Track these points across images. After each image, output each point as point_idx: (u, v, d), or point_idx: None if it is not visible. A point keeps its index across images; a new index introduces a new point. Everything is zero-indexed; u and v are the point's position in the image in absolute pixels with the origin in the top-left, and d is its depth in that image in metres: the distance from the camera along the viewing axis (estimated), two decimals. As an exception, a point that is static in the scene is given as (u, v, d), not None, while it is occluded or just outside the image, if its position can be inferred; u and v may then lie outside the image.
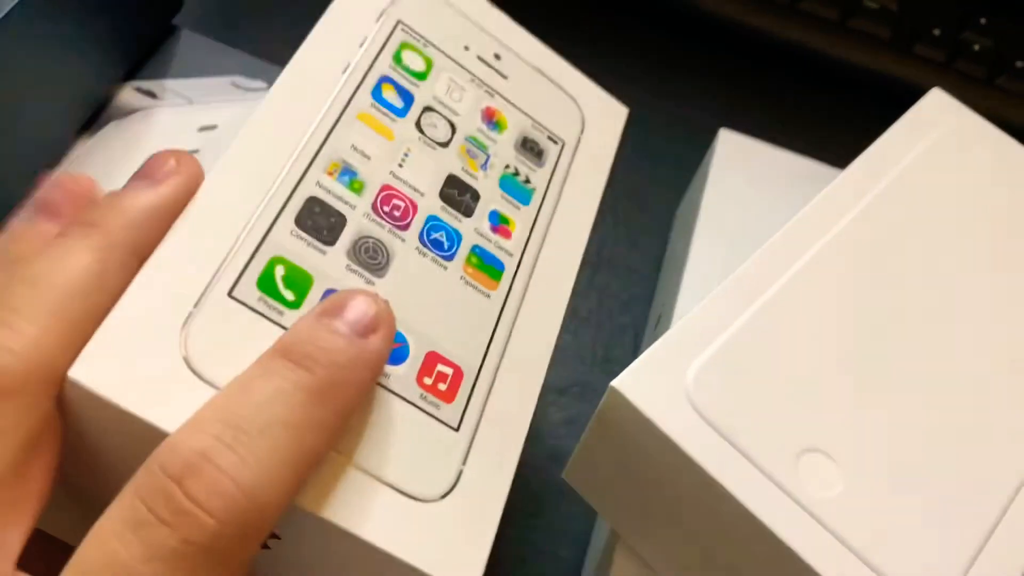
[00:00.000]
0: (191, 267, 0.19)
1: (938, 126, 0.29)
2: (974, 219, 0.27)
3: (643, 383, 0.22)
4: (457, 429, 0.21)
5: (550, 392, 0.35)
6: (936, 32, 0.42)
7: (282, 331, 0.19)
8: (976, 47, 0.42)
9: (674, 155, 0.42)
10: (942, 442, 0.23)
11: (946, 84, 0.42)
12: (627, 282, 0.38)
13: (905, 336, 0.24)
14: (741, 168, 0.34)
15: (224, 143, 0.21)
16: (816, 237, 0.25)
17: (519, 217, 0.24)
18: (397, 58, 0.24)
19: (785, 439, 0.22)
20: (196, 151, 0.26)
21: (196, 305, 0.19)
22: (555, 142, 0.26)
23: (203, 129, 0.29)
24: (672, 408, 0.22)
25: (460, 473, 0.20)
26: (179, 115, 0.29)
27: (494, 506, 0.20)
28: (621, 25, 0.47)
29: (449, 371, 0.21)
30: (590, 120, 0.27)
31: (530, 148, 0.25)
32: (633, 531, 0.24)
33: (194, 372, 0.18)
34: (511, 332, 0.23)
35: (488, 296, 0.23)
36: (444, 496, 0.20)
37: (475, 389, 0.21)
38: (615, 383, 0.22)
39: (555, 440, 0.34)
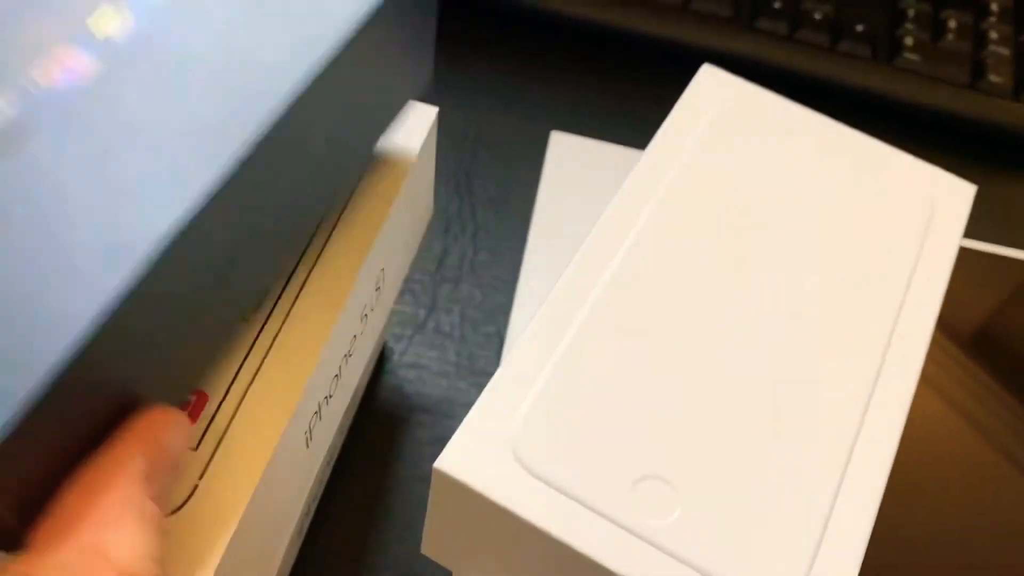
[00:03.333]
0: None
1: (716, 101, 0.29)
2: (774, 193, 0.27)
3: (466, 457, 0.21)
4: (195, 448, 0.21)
5: (416, 411, 0.35)
6: (777, 5, 0.43)
7: None
8: (817, 16, 0.42)
9: (532, 158, 0.42)
10: (770, 444, 0.22)
11: (791, 55, 0.42)
12: (490, 291, 0.38)
13: (725, 334, 0.24)
14: (573, 168, 0.34)
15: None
16: (618, 244, 0.25)
17: None
18: None
19: (618, 473, 0.21)
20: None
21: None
22: None
23: None
24: (500, 474, 0.21)
25: (194, 488, 0.21)
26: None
27: (227, 521, 0.20)
28: (465, 27, 0.47)
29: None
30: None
31: None
32: None
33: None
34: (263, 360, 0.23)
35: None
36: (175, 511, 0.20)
37: (218, 412, 0.22)
38: (437, 464, 0.21)
39: (422, 460, 0.34)
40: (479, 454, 0.21)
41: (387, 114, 0.25)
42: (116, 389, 0.18)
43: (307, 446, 0.25)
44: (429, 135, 0.28)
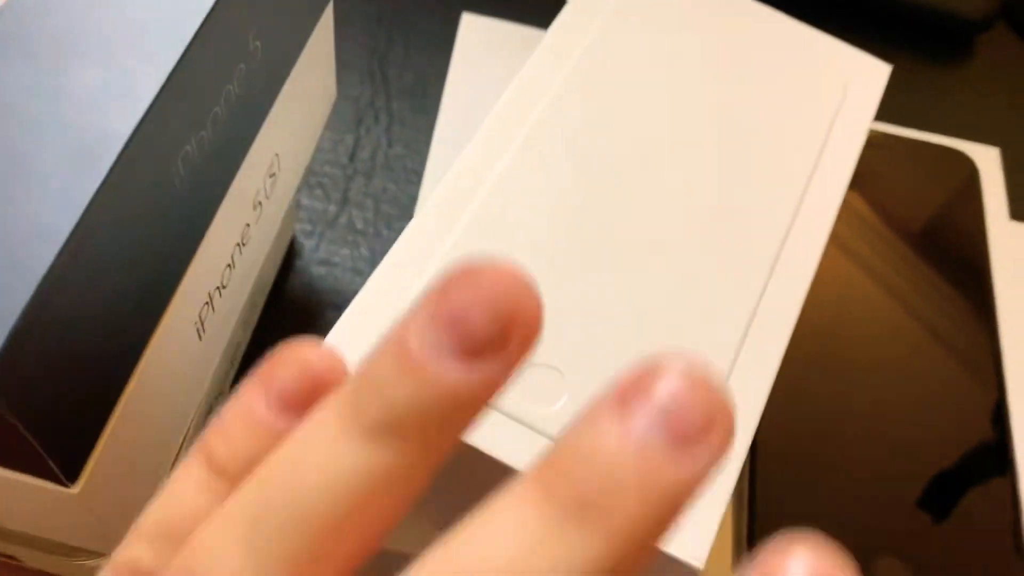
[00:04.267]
0: None
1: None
2: (681, 70, 0.26)
3: (355, 336, 0.21)
4: None
5: (327, 308, 0.34)
6: None
7: None
8: None
9: (450, 44, 0.40)
10: (661, 323, 0.22)
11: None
12: (406, 185, 0.37)
13: (624, 216, 0.23)
14: (485, 52, 0.32)
15: None
16: (522, 121, 0.24)
17: None
18: None
19: None
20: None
21: None
22: None
23: None
24: None
25: None
26: None
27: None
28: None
29: None
30: None
31: None
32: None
33: None
34: None
35: None
36: None
37: None
38: (329, 340, 0.20)
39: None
40: (368, 334, 0.21)
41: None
42: (101, 294, 0.18)
43: (199, 338, 0.24)
44: (326, 11, 0.26)
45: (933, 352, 0.34)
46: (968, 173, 0.38)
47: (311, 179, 0.37)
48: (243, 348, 0.32)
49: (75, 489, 0.19)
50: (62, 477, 0.18)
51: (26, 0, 0.18)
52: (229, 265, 0.24)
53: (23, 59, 0.18)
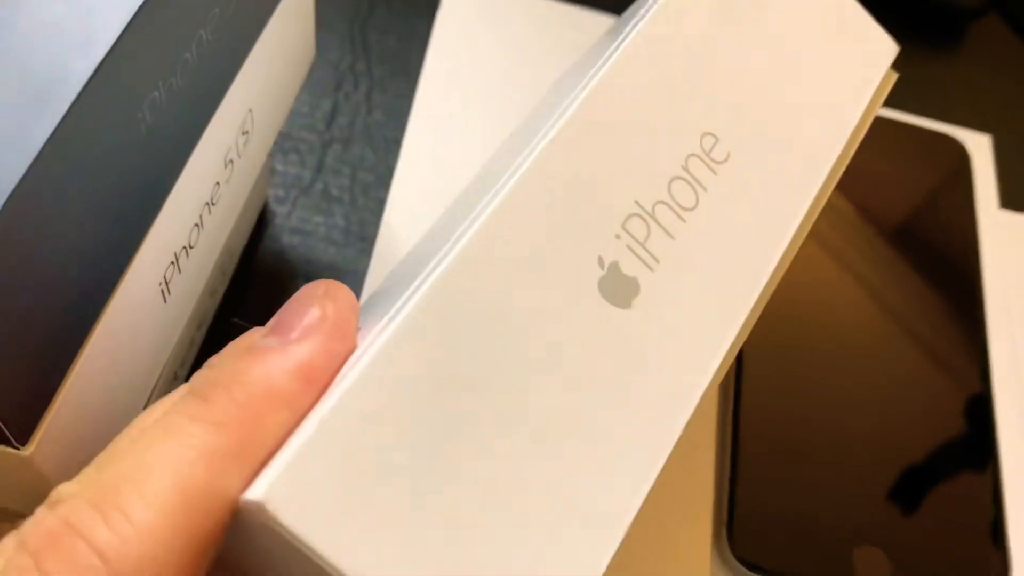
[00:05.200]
0: None
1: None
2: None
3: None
4: None
5: (299, 278, 0.33)
6: None
7: None
8: None
9: (434, 9, 0.39)
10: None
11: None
12: (384, 153, 0.36)
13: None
14: (469, 18, 0.31)
15: None
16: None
17: None
18: None
19: None
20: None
21: None
22: None
23: None
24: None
25: None
26: None
27: None
28: None
29: None
30: None
31: None
32: None
33: None
34: None
35: None
36: None
37: None
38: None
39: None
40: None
41: None
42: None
43: (164, 300, 0.22)
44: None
45: (918, 341, 0.33)
46: (959, 159, 0.37)
47: (286, 144, 0.35)
48: (210, 317, 0.30)
49: (26, 452, 0.18)
50: (12, 440, 0.17)
51: None
52: (197, 225, 0.23)
53: None
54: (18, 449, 0.18)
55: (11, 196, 0.15)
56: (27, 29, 0.16)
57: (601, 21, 0.37)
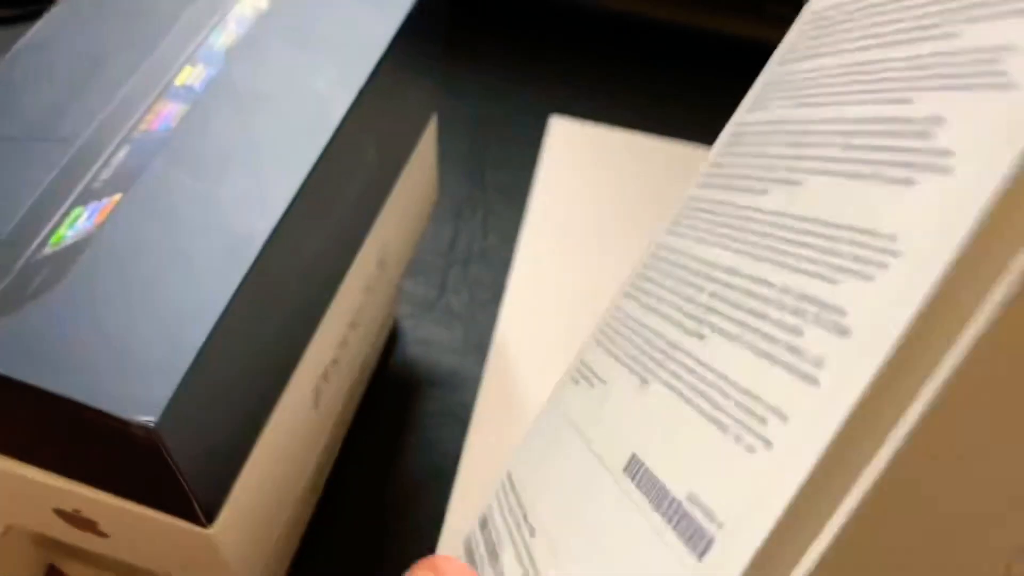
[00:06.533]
0: None
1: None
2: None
3: None
4: None
5: (424, 384, 0.37)
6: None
7: None
8: None
9: (540, 144, 0.44)
10: None
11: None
12: (499, 272, 0.40)
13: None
14: (571, 151, 0.36)
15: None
16: None
17: None
18: None
19: None
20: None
21: None
22: None
23: None
24: None
25: None
26: None
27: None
28: (468, 17, 0.49)
29: None
30: None
31: None
32: None
33: None
34: None
35: None
36: None
37: None
38: None
39: (430, 429, 0.36)
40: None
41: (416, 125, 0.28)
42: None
43: (315, 406, 0.27)
44: (431, 121, 0.30)
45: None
46: None
47: (413, 266, 0.40)
48: (350, 418, 0.35)
49: (211, 531, 0.22)
50: (202, 518, 0.21)
51: (192, 120, 0.22)
52: (343, 342, 0.28)
53: (189, 172, 0.22)
54: (206, 528, 0.22)
55: (216, 325, 0.19)
56: (225, 199, 0.21)
57: (688, 152, 0.41)
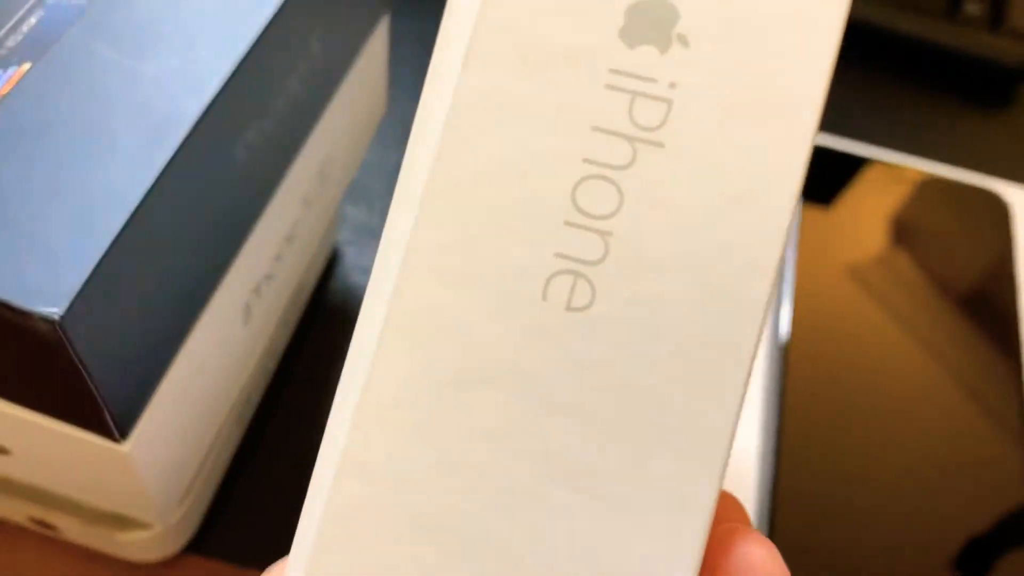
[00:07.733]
0: None
1: None
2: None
3: None
4: None
5: (365, 315, 0.35)
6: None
7: None
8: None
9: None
10: None
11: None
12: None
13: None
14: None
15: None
16: None
17: None
18: None
19: None
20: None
21: None
22: None
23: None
24: None
25: None
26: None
27: None
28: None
29: None
30: None
31: None
32: None
33: None
34: None
35: None
36: None
37: None
38: None
39: (370, 361, 0.34)
40: None
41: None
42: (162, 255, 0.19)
43: (245, 323, 0.25)
44: (381, 23, 0.28)
45: (961, 404, 0.34)
46: (1000, 215, 0.38)
47: (356, 191, 0.38)
48: (283, 346, 0.33)
49: (125, 447, 0.20)
50: (115, 432, 0.19)
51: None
52: (278, 256, 0.26)
53: (110, 45, 0.19)
54: (119, 443, 0.20)
55: (134, 212, 0.17)
56: (151, 77, 0.19)
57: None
